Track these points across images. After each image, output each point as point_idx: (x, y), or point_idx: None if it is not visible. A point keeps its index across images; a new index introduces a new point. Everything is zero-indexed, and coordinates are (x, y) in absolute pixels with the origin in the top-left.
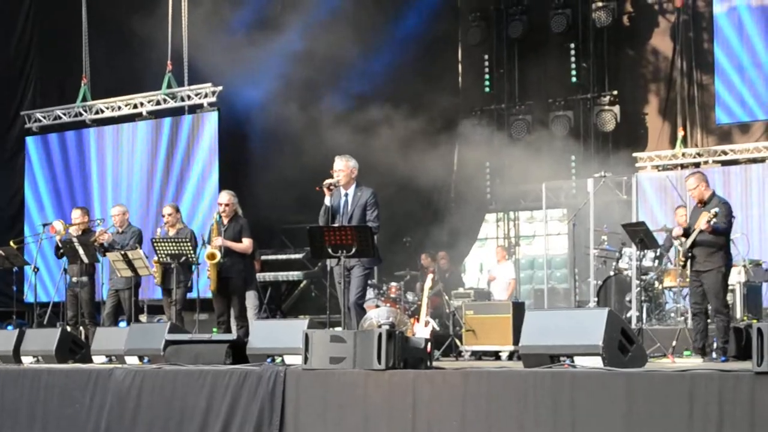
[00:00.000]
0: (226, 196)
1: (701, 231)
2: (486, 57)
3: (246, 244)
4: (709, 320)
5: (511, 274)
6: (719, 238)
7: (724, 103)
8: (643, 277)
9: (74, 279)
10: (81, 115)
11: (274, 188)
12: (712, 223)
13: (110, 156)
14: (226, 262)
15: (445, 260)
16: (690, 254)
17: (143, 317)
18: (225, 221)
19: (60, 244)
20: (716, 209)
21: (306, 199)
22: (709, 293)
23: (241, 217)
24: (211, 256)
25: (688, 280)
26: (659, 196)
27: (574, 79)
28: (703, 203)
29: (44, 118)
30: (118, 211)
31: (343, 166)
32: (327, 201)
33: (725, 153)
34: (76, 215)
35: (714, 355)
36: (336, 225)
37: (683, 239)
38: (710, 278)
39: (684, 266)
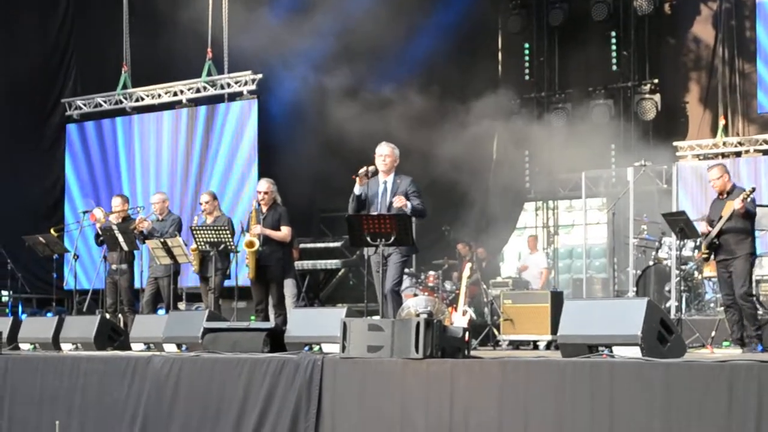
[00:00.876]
0: (264, 184)
1: (732, 214)
2: (526, 45)
3: (284, 232)
4: None
5: (543, 264)
6: (746, 224)
7: (766, 92)
8: (683, 267)
9: (113, 266)
10: (121, 102)
11: (313, 176)
12: (748, 200)
13: (150, 143)
14: (264, 250)
15: (482, 249)
16: (717, 242)
17: (182, 305)
18: (264, 209)
19: (100, 232)
20: (753, 186)
21: (345, 187)
22: (737, 279)
23: (280, 205)
24: (250, 244)
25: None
26: (700, 185)
27: (614, 68)
28: (726, 194)
29: (85, 105)
30: (158, 198)
31: (389, 152)
32: (356, 189)
33: (767, 142)
34: (116, 203)
35: (752, 344)
36: (375, 213)
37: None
38: (739, 264)
39: (707, 259)
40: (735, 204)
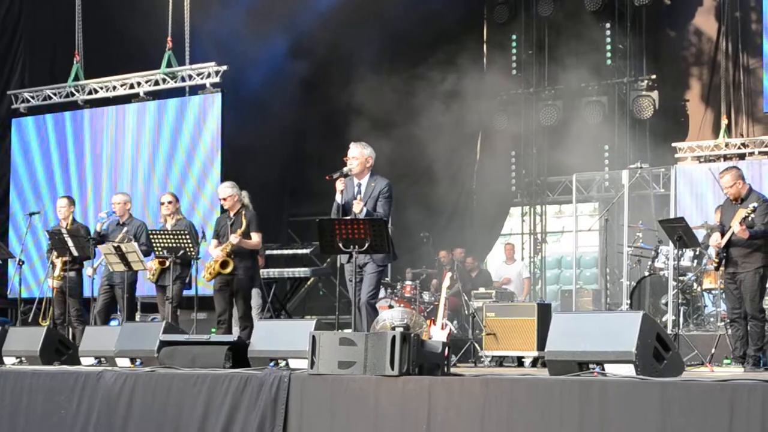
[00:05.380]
0: (223, 190)
1: (732, 236)
2: (513, 37)
3: (255, 240)
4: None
5: (525, 273)
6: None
7: None
8: (681, 278)
9: (61, 273)
10: (73, 95)
11: (281, 177)
12: (749, 219)
13: (104, 140)
14: (234, 260)
15: (471, 259)
16: (725, 254)
17: (137, 316)
18: (231, 215)
19: (47, 235)
20: (754, 204)
21: (316, 190)
22: (745, 296)
23: (249, 209)
24: (224, 265)
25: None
26: (700, 189)
27: (609, 62)
28: (740, 200)
29: (33, 98)
30: (120, 198)
31: (357, 154)
32: (338, 198)
33: None
34: (62, 204)
35: (748, 364)
36: (348, 218)
37: (720, 239)
38: (747, 279)
39: (717, 268)
40: (734, 227)
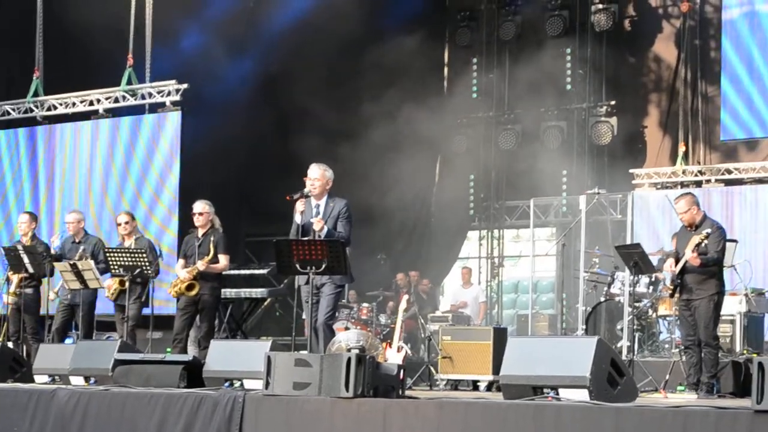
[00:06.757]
0: (200, 205)
1: (686, 262)
2: (474, 60)
3: (223, 263)
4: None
5: (481, 297)
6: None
7: (730, 118)
8: (636, 305)
9: (17, 290)
10: (31, 111)
11: (240, 196)
12: (702, 245)
13: (62, 157)
14: (200, 282)
15: (427, 280)
16: (679, 281)
17: (93, 334)
18: (199, 234)
19: (3, 251)
20: (707, 230)
21: (274, 209)
22: (699, 323)
23: (218, 230)
24: (190, 288)
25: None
26: (657, 216)
27: (568, 87)
28: (694, 227)
29: None
30: (73, 218)
31: (319, 176)
32: (297, 219)
33: (729, 172)
34: (23, 219)
35: (701, 391)
36: (306, 239)
37: (673, 265)
38: (701, 307)
39: (672, 294)
40: (686, 254)
